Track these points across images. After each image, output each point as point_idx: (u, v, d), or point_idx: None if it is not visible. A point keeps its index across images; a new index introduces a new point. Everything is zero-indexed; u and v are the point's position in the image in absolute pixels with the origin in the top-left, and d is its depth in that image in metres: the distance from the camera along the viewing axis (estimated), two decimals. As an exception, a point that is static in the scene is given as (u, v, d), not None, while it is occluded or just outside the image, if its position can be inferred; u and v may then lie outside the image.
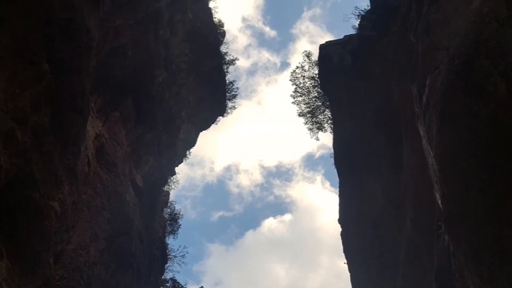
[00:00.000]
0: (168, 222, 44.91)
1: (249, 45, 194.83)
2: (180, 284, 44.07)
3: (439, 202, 14.99)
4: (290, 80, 46.47)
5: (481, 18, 11.67)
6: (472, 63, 11.69)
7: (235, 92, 53.09)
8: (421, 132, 17.18)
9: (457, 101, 12.47)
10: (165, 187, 44.73)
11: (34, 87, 13.54)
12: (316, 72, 42.77)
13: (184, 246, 47.07)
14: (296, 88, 46.16)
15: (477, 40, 11.69)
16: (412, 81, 19.09)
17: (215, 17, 46.80)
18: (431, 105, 14.40)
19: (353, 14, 40.43)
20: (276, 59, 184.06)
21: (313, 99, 45.39)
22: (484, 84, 11.26)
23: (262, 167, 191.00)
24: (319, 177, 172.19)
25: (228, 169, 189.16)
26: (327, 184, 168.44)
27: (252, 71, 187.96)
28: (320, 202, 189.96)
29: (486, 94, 11.20)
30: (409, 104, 22.45)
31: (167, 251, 41.86)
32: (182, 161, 48.35)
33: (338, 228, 39.29)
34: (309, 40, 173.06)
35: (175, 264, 44.38)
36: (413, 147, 23.93)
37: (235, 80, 65.02)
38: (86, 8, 15.77)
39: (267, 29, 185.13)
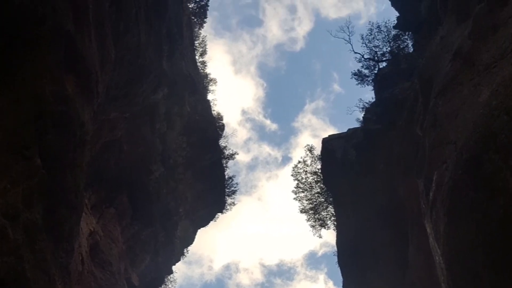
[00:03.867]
0: (165, 323, 43.51)
1: (249, 138, 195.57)
2: None
3: (446, 302, 14.62)
4: (292, 175, 46.41)
5: (490, 111, 11.65)
6: (481, 158, 11.60)
7: (235, 187, 53.04)
8: (428, 229, 16.94)
9: (466, 197, 12.37)
10: (162, 286, 43.87)
11: (26, 183, 13.22)
12: (319, 167, 42.52)
13: None
14: (298, 184, 45.92)
15: (486, 133, 11.61)
16: (419, 176, 18.93)
17: (214, 110, 47.58)
18: (438, 201, 14.28)
19: (357, 106, 40.85)
20: (277, 154, 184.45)
21: (316, 195, 44.95)
22: (493, 180, 11.10)
23: (263, 265, 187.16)
24: (322, 276, 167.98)
25: (227, 267, 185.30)
26: (330, 283, 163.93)
27: (252, 166, 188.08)
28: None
29: (496, 190, 11.03)
30: (415, 200, 22.17)
31: None
32: (179, 260, 47.63)
33: (342, 330, 37.84)
34: (311, 134, 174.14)
35: None
36: (419, 245, 23.49)
37: (235, 175, 63.93)
38: (80, 101, 15.67)
39: (267, 122, 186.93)
